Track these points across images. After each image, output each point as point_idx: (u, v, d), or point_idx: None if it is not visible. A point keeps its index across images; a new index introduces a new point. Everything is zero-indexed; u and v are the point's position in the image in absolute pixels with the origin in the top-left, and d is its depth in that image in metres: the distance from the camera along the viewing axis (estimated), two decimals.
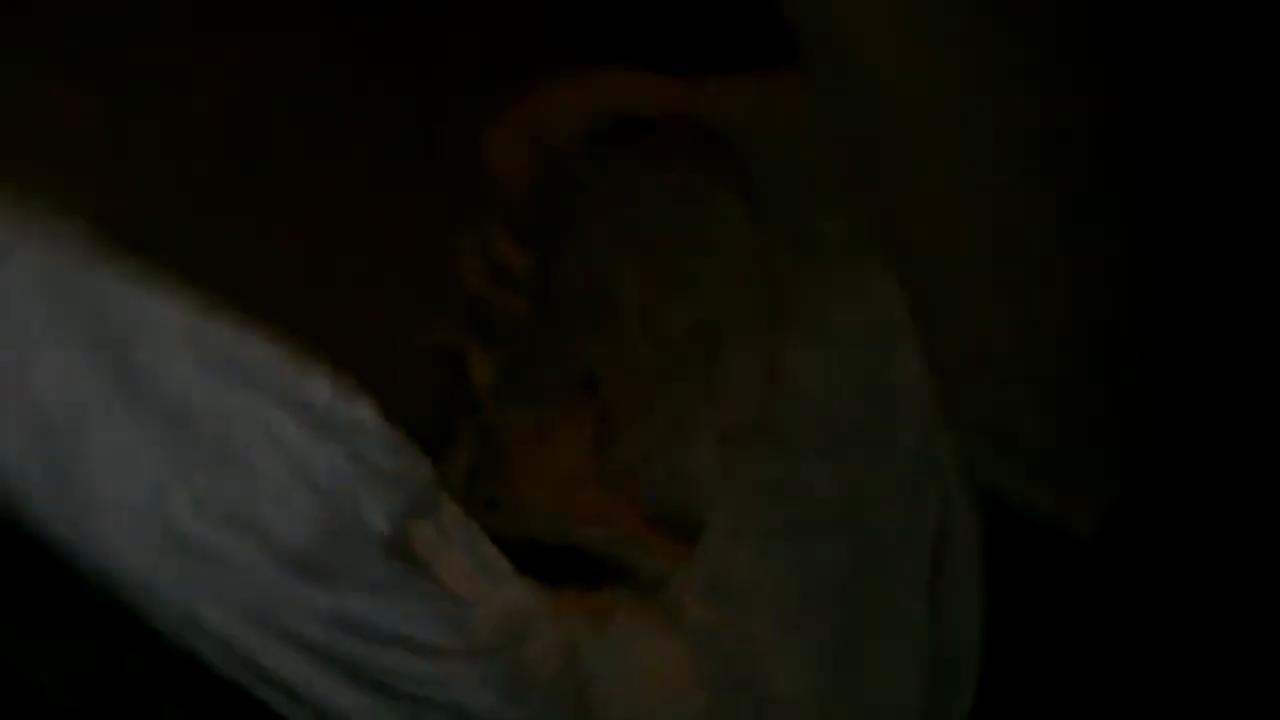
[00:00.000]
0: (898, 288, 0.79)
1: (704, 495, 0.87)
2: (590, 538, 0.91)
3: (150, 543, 0.63)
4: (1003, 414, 0.74)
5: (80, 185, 0.83)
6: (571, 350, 1.15)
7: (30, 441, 0.62)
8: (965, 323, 0.73)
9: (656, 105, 1.21)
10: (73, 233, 0.64)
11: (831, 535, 0.79)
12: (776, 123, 1.06)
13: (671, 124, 1.19)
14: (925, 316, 0.76)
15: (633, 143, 1.22)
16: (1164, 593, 0.78)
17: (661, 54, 1.26)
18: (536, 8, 1.23)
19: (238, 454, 0.64)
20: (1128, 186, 0.72)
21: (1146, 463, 0.78)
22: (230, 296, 0.68)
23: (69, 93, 0.94)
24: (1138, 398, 0.76)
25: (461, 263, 1.24)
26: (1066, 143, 0.69)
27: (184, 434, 0.63)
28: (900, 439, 0.79)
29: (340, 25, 1.10)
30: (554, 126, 1.28)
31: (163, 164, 0.97)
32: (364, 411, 0.67)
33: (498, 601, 0.72)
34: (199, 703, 0.74)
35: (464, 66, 1.20)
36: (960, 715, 0.78)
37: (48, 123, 0.93)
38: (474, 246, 1.26)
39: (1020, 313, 0.72)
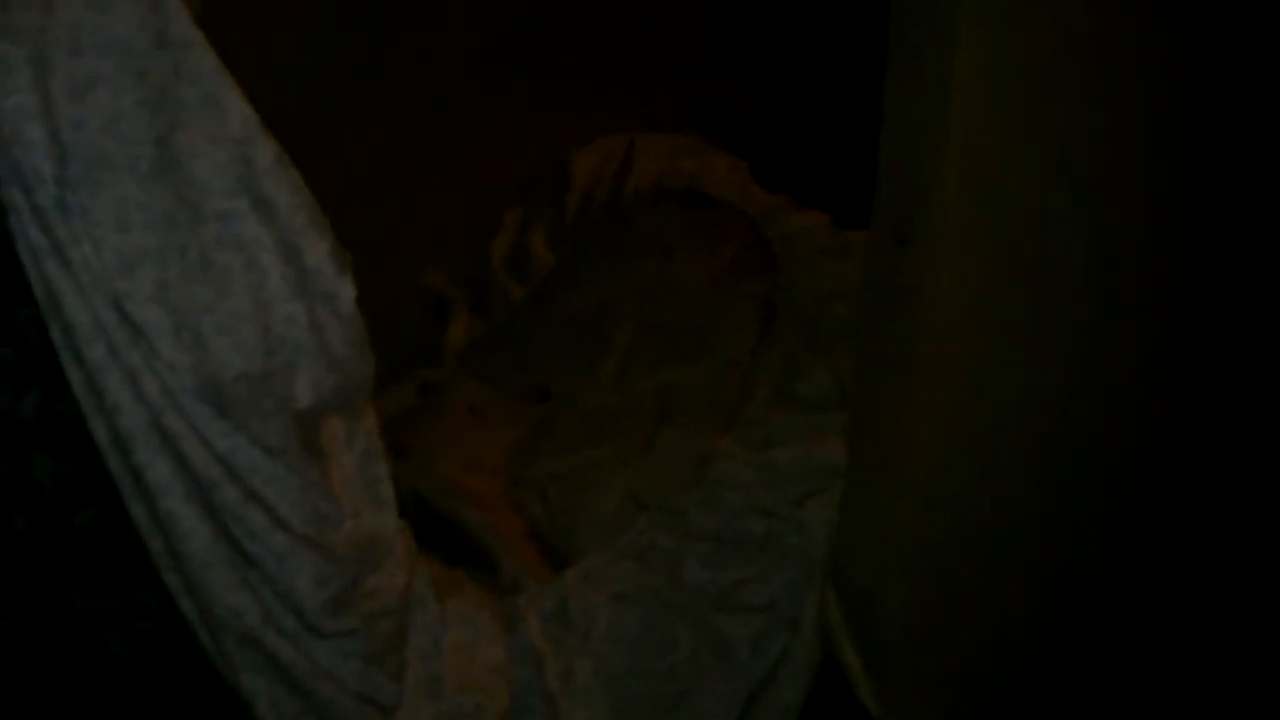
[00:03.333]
0: (843, 449, 0.83)
1: (587, 537, 0.90)
2: (471, 519, 0.93)
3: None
4: (884, 584, 0.77)
5: None
6: (540, 359, 1.18)
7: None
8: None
9: (727, 191, 1.26)
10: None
11: (678, 623, 0.81)
12: (829, 273, 1.11)
13: (728, 211, 1.24)
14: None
15: (688, 208, 1.28)
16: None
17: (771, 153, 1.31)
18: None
19: (218, 263, 0.65)
20: None
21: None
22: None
23: None
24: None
25: (497, 234, 1.29)
26: None
27: (188, 216, 0.64)
28: (777, 579, 0.82)
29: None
30: (635, 168, 1.33)
31: None
32: (344, 289, 0.68)
33: (365, 522, 0.73)
34: None
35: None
36: None
37: None
38: (512, 226, 1.30)
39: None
